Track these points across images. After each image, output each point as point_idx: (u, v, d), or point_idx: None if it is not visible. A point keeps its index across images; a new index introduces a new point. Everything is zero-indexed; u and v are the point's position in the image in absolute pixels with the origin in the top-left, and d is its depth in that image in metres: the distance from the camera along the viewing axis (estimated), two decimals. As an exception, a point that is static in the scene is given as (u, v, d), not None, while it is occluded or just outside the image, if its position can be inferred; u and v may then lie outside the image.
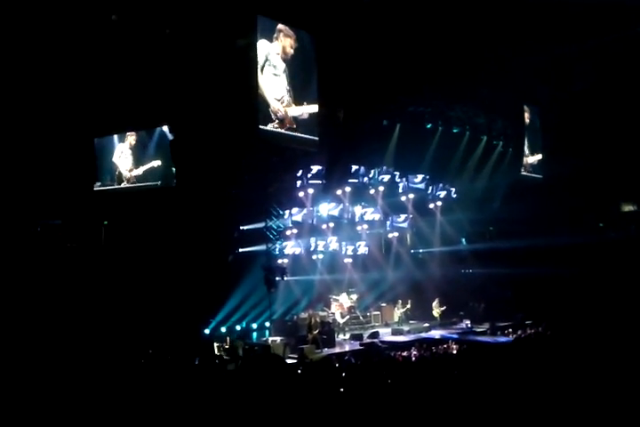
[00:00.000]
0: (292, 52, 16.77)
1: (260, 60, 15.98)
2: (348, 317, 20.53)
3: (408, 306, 22.94)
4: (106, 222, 20.27)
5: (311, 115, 16.93)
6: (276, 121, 16.13)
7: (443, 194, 24.85)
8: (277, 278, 18.88)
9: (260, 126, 15.74)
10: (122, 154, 19.72)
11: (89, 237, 19.99)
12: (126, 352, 14.03)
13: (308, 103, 16.94)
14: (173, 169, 18.16)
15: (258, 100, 15.90)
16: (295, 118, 16.53)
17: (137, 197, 19.67)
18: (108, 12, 16.76)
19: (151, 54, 17.38)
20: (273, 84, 16.29)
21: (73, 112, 18.58)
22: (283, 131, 16.22)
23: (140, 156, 19.25)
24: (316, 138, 17.01)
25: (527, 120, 25.35)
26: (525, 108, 25.07)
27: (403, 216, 24.87)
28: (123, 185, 19.51)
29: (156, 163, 18.73)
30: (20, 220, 18.86)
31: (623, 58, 22.15)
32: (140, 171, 19.25)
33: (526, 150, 25.10)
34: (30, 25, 16.01)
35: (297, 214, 21.86)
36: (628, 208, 27.08)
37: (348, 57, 18.31)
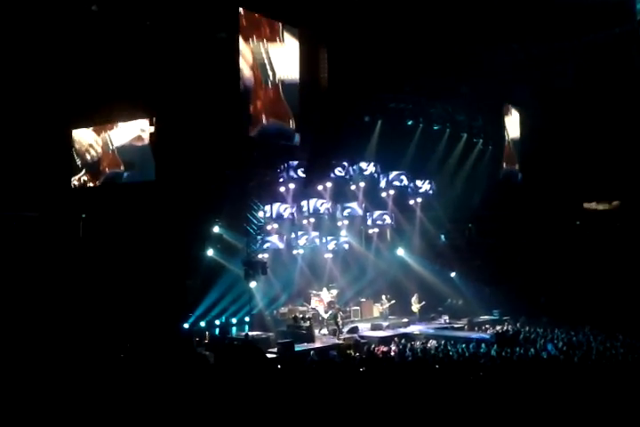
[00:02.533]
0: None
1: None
2: (331, 311, 20.58)
3: (393, 301, 23.03)
4: (84, 216, 20.05)
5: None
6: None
7: (423, 189, 24.96)
8: (257, 273, 18.82)
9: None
10: (99, 146, 19.55)
11: (66, 231, 19.76)
12: (104, 346, 13.91)
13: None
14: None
15: (242, 97, 15.92)
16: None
17: (116, 190, 19.50)
18: (88, 3, 16.57)
19: (131, 46, 17.22)
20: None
21: (50, 104, 18.35)
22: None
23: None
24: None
25: (507, 118, 25.62)
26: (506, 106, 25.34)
27: (383, 212, 24.93)
28: (100, 179, 19.42)
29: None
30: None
31: (602, 58, 22.43)
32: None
33: (505, 152, 25.41)
34: (7, 16, 15.76)
35: (278, 209, 21.79)
36: (603, 206, 27.47)
37: (331, 53, 18.31)
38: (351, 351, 17.36)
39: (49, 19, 16.35)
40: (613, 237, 25.91)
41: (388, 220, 24.96)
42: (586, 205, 27.13)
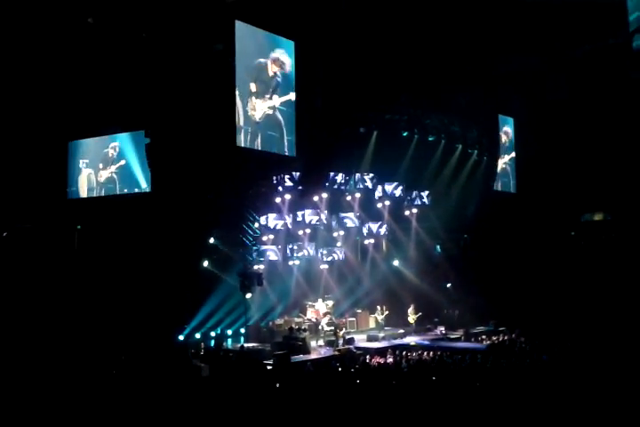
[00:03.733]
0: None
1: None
2: (331, 321, 20.57)
3: (387, 312, 23.00)
4: (79, 227, 20.01)
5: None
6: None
7: (418, 200, 25.03)
8: (253, 284, 18.77)
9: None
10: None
11: (61, 242, 19.70)
12: (100, 359, 13.83)
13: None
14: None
15: (235, 109, 15.99)
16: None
17: (111, 202, 19.48)
18: (84, 15, 16.65)
19: (127, 58, 17.29)
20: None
21: (46, 115, 18.37)
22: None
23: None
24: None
25: (502, 131, 25.76)
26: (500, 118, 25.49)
27: (378, 223, 24.97)
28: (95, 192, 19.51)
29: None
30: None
31: (596, 69, 22.61)
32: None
33: (500, 163, 25.52)
34: (6, 28, 15.83)
35: (274, 220, 21.80)
36: (598, 217, 27.56)
37: (327, 65, 18.41)
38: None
39: (46, 31, 16.41)
40: (609, 248, 25.98)
41: (383, 230, 24.99)
42: (596, 217, 27.17)
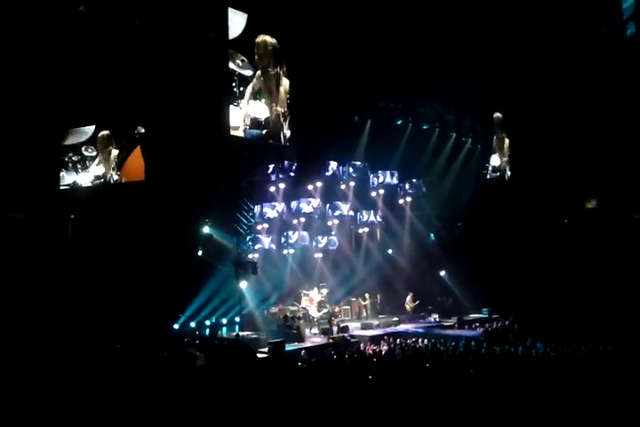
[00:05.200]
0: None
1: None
2: (324, 310, 20.68)
3: (377, 299, 23.14)
4: (73, 217, 19.95)
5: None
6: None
7: (412, 189, 25.05)
8: (248, 273, 18.83)
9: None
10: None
11: (55, 232, 19.65)
12: (94, 348, 13.86)
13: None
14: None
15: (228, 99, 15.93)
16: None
17: (104, 191, 19.42)
18: (75, 3, 16.49)
19: (119, 47, 17.15)
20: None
21: (38, 103, 18.24)
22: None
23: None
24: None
25: (495, 118, 25.76)
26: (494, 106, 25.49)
27: (373, 212, 25.01)
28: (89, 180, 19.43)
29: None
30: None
31: (589, 57, 22.58)
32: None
33: (493, 152, 25.57)
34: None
35: (268, 208, 21.81)
36: (590, 205, 27.68)
37: (320, 53, 18.32)
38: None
39: (35, 21, 16.26)
40: (601, 235, 26.11)
41: (377, 219, 25.05)
42: (588, 205, 27.26)
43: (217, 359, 4.74)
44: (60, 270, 18.46)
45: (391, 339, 18.72)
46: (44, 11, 16.10)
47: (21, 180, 18.47)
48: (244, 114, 16.43)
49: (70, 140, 19.67)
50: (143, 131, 17.74)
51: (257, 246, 20.99)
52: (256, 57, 16.64)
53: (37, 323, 15.92)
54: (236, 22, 16.27)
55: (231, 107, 16.15)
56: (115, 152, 19.10)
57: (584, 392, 5.95)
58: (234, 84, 16.33)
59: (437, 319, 23.11)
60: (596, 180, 25.82)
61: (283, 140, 17.52)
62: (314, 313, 20.94)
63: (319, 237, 23.58)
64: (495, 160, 25.89)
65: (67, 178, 19.78)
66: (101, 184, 19.44)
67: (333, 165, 22.96)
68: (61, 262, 18.73)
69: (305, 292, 22.12)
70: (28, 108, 18.07)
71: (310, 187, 22.72)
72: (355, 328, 21.05)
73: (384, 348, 17.28)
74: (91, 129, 19.41)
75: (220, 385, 4.56)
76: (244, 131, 16.47)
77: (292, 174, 21.46)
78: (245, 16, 16.31)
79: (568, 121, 24.85)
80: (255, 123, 16.66)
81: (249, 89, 16.52)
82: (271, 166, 21.15)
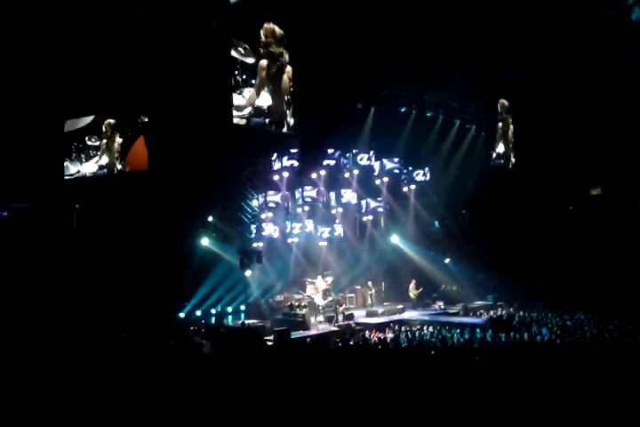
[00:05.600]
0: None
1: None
2: (330, 298, 20.72)
3: (381, 287, 23.20)
4: (77, 206, 19.98)
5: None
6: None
7: (417, 176, 24.96)
8: (253, 262, 18.87)
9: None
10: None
11: (60, 222, 19.69)
12: (100, 338, 13.93)
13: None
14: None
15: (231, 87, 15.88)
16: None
17: (109, 181, 19.43)
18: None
19: (121, 36, 17.07)
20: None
21: (42, 94, 18.21)
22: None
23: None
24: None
25: (499, 105, 25.61)
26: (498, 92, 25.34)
27: (377, 200, 24.97)
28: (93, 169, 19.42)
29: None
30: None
31: (594, 43, 22.38)
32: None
33: (498, 138, 25.45)
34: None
35: (272, 197, 21.79)
36: (595, 192, 27.61)
37: (322, 40, 18.20)
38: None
39: (39, 12, 16.18)
40: (607, 222, 26.06)
41: (382, 207, 25.01)
42: (593, 191, 27.18)
43: (225, 347, 4.71)
44: (65, 260, 18.52)
45: (396, 327, 18.79)
46: (46, 4, 16.03)
47: (25, 170, 18.48)
48: (248, 102, 16.37)
49: (68, 128, 19.61)
50: (146, 120, 17.68)
51: (261, 235, 21.01)
52: (262, 45, 16.55)
53: (43, 313, 15.99)
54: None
55: (234, 95, 16.09)
56: (118, 141, 19.08)
57: (591, 380, 5.95)
58: (236, 73, 16.27)
59: (442, 307, 23.15)
60: (601, 166, 25.72)
61: (286, 128, 17.47)
62: (319, 301, 21.00)
63: (323, 226, 23.58)
64: (500, 147, 25.77)
65: (71, 168, 19.76)
66: (105, 174, 19.45)
67: (337, 153, 22.89)
68: (66, 252, 18.79)
69: (310, 280, 22.19)
70: (32, 98, 18.04)
71: (314, 175, 22.68)
72: (360, 316, 21.12)
73: (389, 335, 17.35)
74: (89, 117, 19.38)
75: (229, 373, 4.54)
76: (248, 119, 16.42)
77: (296, 163, 21.40)
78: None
79: (573, 107, 24.71)
80: (258, 111, 16.60)
81: (258, 79, 16.45)
82: (275, 155, 21.09)
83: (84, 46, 17.19)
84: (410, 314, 21.94)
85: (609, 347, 13.16)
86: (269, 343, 16.07)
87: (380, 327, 19.00)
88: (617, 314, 18.08)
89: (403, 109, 22.38)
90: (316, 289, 21.65)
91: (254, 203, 20.29)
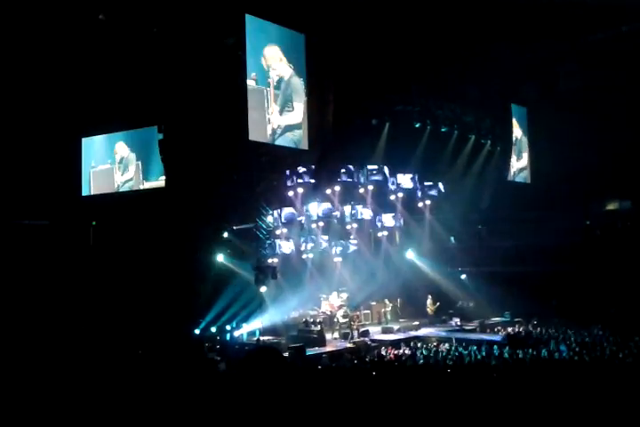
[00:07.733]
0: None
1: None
2: (345, 313, 20.59)
3: (397, 303, 23.03)
4: (94, 223, 20.14)
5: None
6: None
7: (432, 191, 24.89)
8: (268, 278, 18.83)
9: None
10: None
11: (77, 238, 19.84)
12: (116, 353, 13.94)
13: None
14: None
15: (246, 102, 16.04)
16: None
17: (125, 197, 19.58)
18: (95, 12, 16.68)
19: (138, 54, 17.32)
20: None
21: (59, 111, 18.47)
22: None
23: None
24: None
25: (515, 120, 25.56)
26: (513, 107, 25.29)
27: (392, 215, 24.91)
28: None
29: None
30: (6, 220, 18.71)
31: (609, 56, 22.32)
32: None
33: (513, 153, 25.34)
34: (20, 25, 15.91)
35: (287, 213, 21.81)
36: (612, 206, 27.34)
37: (338, 57, 18.33)
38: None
39: (58, 27, 16.48)
40: (624, 237, 25.74)
41: (396, 222, 24.92)
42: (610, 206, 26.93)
43: (246, 366, 4.64)
44: (82, 276, 18.63)
45: (412, 343, 18.61)
46: (66, 18, 16.31)
47: (44, 187, 18.69)
48: (269, 120, 16.55)
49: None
50: (162, 137, 17.83)
51: (276, 251, 21.00)
52: (269, 68, 16.79)
53: (60, 328, 16.06)
54: None
55: (256, 113, 16.29)
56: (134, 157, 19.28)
57: (612, 397, 5.83)
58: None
59: (459, 323, 22.92)
60: (618, 180, 25.48)
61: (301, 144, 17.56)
62: (340, 318, 20.85)
63: (338, 242, 23.53)
64: (515, 162, 25.65)
65: (92, 185, 20.01)
66: (122, 191, 19.62)
67: (352, 168, 22.90)
68: (83, 268, 18.91)
69: (325, 296, 22.08)
70: (50, 116, 18.30)
71: (329, 191, 22.69)
72: (375, 333, 20.96)
73: (406, 352, 17.19)
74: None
75: (250, 393, 4.48)
76: (270, 136, 16.64)
77: (311, 179, 21.44)
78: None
79: (589, 120, 24.57)
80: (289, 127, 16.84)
81: (272, 100, 16.72)
82: (289, 171, 21.15)
83: (104, 64, 17.45)
84: (426, 331, 21.73)
85: (629, 364, 12.92)
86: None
87: (396, 344, 18.84)
88: (637, 331, 17.76)
89: (417, 125, 22.38)
90: (332, 305, 21.55)
91: (269, 219, 20.31)
